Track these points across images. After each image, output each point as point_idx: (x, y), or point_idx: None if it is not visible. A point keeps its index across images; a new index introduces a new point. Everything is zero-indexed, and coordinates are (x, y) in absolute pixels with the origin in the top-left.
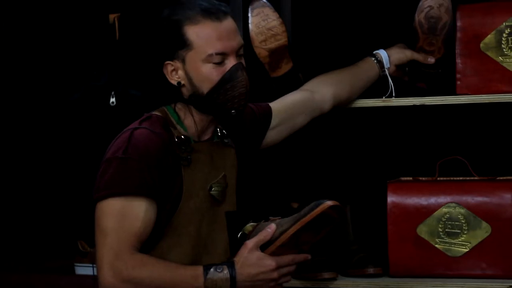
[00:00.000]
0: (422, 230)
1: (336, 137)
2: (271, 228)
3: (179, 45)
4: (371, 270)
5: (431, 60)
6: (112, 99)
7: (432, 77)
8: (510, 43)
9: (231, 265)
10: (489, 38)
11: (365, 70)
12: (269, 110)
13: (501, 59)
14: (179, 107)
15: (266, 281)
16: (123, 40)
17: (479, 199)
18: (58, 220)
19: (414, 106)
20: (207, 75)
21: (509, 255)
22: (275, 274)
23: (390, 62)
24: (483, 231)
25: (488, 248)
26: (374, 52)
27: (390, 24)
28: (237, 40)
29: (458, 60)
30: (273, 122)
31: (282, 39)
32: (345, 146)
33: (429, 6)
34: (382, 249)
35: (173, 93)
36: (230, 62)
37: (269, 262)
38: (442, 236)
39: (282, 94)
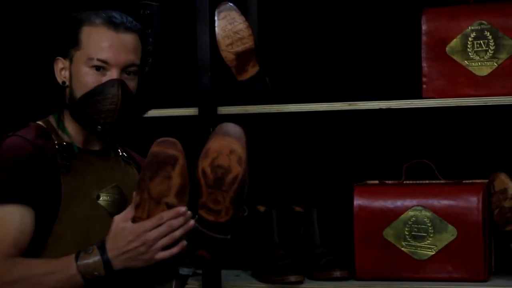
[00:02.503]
0: (389, 233)
1: (302, 141)
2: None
3: (71, 43)
4: (337, 274)
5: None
6: None
7: (217, 244)
8: (475, 47)
9: (100, 244)
10: (455, 42)
11: None
12: None
13: (467, 63)
14: (64, 114)
15: (141, 249)
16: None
17: (445, 202)
18: None
19: (380, 109)
20: (84, 79)
21: (475, 258)
22: (145, 238)
23: None
24: (449, 234)
25: (454, 251)
26: None
27: (356, 26)
28: (128, 57)
29: (424, 64)
30: None
31: (249, 42)
32: (311, 150)
33: (217, 151)
34: (349, 252)
35: (57, 94)
36: (112, 75)
37: (134, 228)
38: (408, 239)
39: (249, 97)
